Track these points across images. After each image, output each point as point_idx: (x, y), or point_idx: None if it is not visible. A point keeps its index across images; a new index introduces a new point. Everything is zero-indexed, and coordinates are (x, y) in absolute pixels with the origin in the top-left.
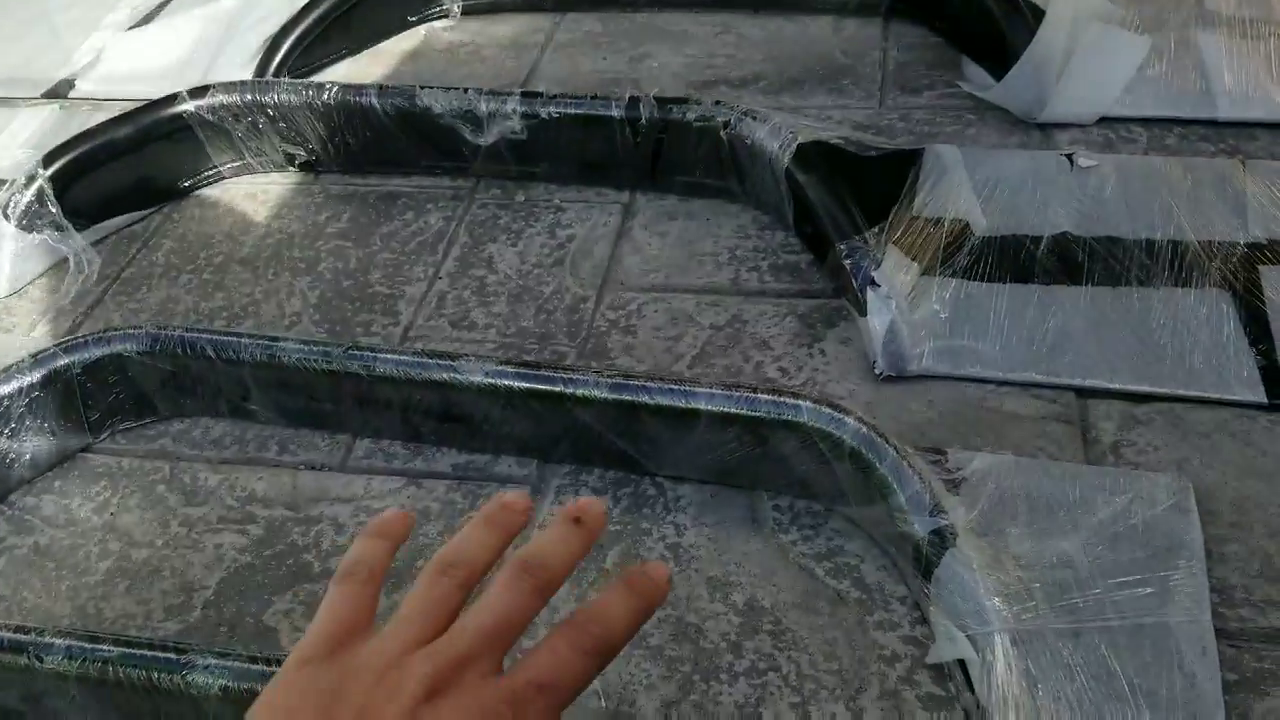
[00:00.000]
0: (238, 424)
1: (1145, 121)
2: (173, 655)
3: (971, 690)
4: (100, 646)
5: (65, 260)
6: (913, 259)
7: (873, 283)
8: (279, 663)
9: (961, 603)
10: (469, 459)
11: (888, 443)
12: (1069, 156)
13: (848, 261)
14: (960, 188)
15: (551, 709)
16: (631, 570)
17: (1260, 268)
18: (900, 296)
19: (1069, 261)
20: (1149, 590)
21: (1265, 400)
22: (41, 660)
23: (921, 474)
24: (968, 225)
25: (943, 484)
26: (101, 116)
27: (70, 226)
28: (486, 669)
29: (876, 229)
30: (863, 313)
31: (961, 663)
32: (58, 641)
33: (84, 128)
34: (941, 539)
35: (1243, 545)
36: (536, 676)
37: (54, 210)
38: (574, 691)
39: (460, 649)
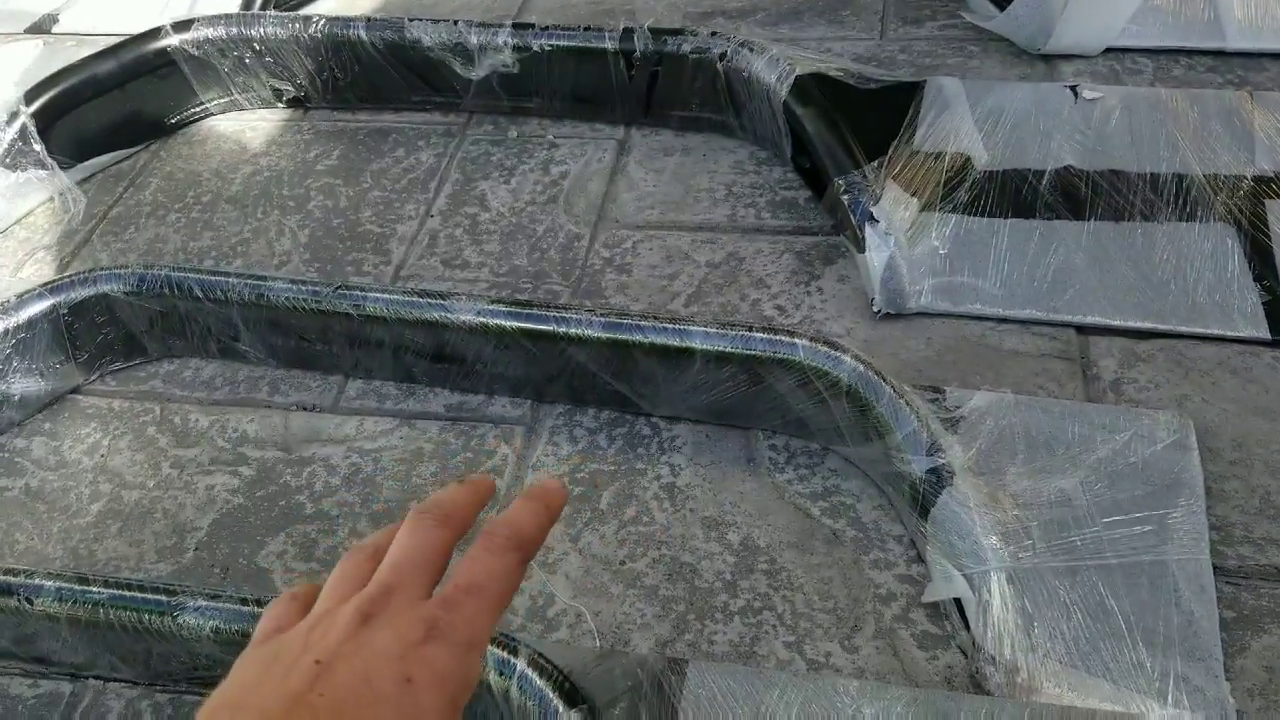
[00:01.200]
0: (228, 365)
1: (1152, 52)
2: (163, 597)
3: (968, 629)
4: (90, 589)
5: (51, 199)
6: (912, 194)
7: (871, 219)
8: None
9: (958, 541)
10: (462, 399)
11: (885, 381)
12: (1073, 88)
13: (846, 197)
14: (962, 121)
15: (482, 611)
16: (531, 485)
17: (1267, 202)
18: (899, 233)
19: (1072, 196)
20: (1147, 528)
21: (1269, 336)
22: (32, 602)
23: (919, 412)
24: (969, 159)
25: (940, 422)
26: (86, 52)
27: (55, 165)
28: (414, 594)
29: (876, 163)
30: (861, 249)
31: (958, 601)
32: (48, 584)
33: (68, 64)
34: (938, 478)
35: (1243, 483)
36: (460, 581)
37: (38, 148)
38: (500, 591)
39: (382, 581)
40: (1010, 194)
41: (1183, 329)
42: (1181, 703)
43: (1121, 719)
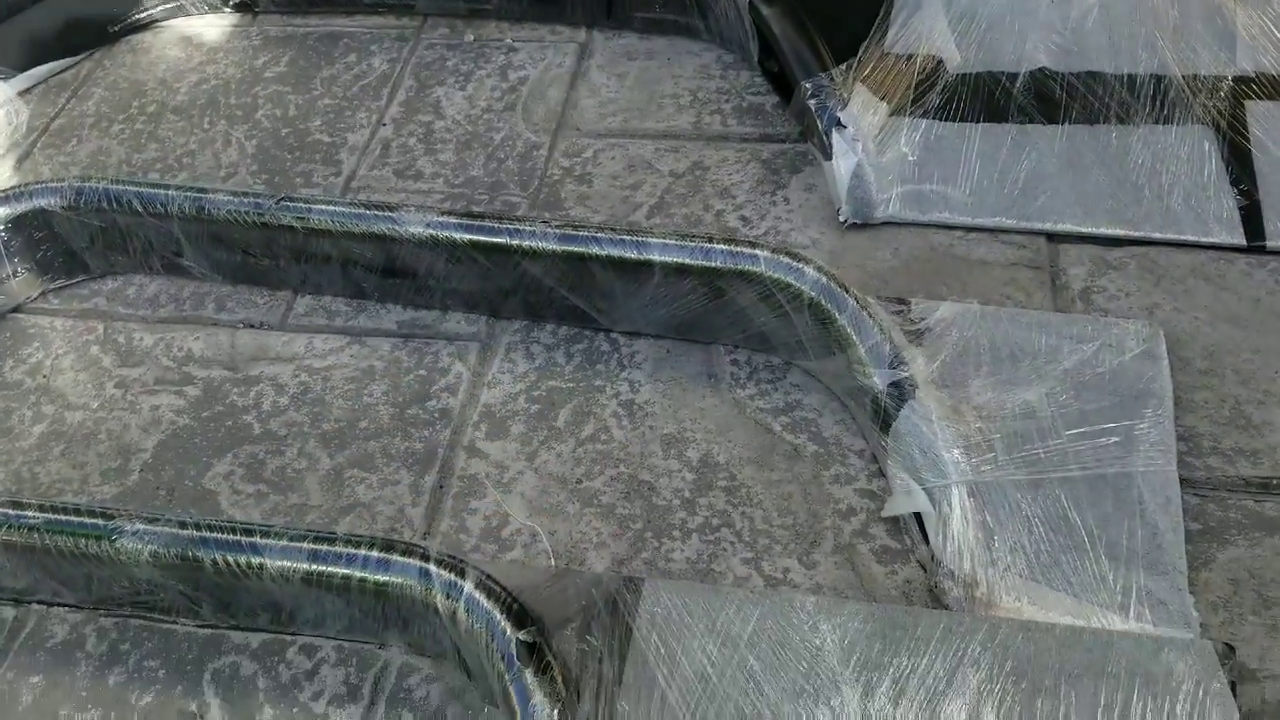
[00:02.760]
0: (173, 281)
1: None
2: (100, 521)
3: (927, 543)
4: (26, 513)
5: None
6: (882, 99)
7: (839, 124)
8: (210, 527)
9: (919, 456)
10: (415, 315)
11: (848, 293)
12: None
13: (813, 102)
14: (935, 21)
15: None
16: None
17: (1247, 103)
18: (867, 139)
19: (1046, 99)
20: (1113, 439)
21: (1244, 242)
22: None
23: (882, 325)
24: (941, 62)
25: (905, 335)
26: None
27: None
28: None
29: (845, 66)
30: (828, 157)
31: (918, 516)
32: None
33: None
34: (901, 391)
35: (1213, 393)
36: None
37: None
38: None
39: None
40: (983, 97)
41: (1156, 235)
42: (1144, 616)
43: (1081, 633)
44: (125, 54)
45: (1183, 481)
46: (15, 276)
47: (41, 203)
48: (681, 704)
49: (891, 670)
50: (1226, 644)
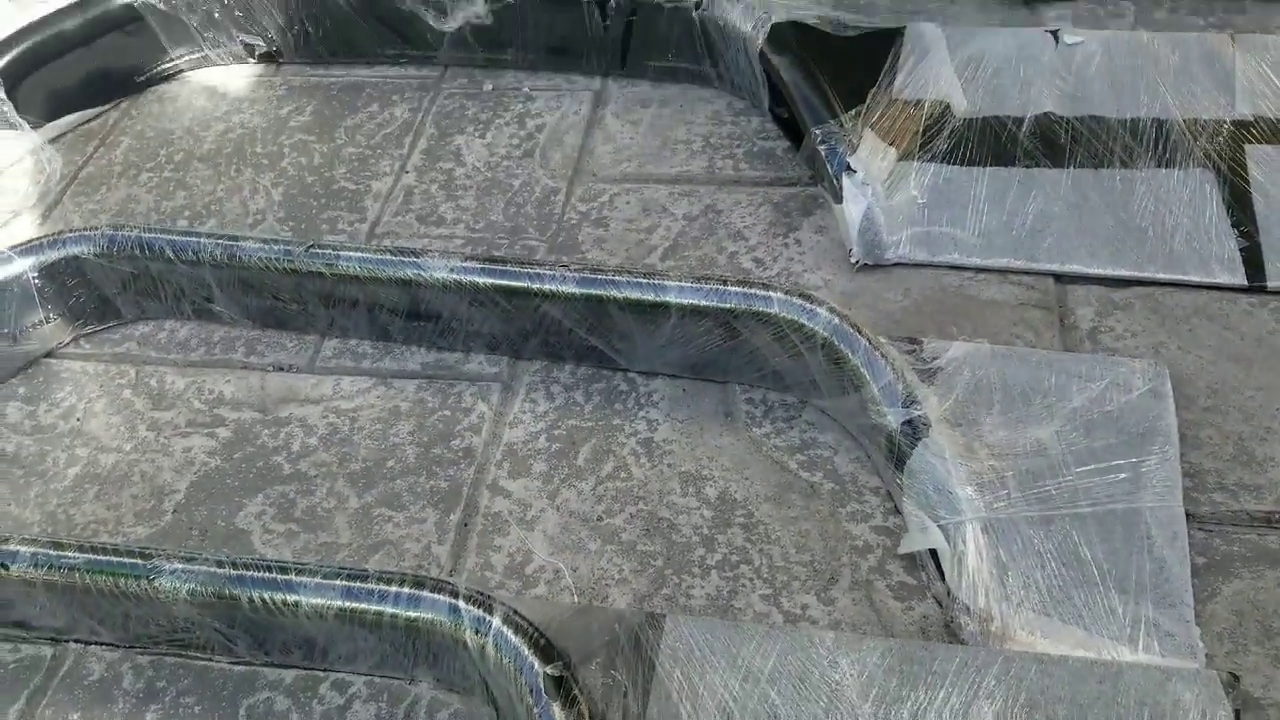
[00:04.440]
0: (203, 325)
1: None
2: (139, 561)
3: (943, 579)
4: (66, 554)
5: (21, 160)
6: (891, 143)
7: (849, 169)
8: (246, 566)
9: (934, 493)
10: (439, 357)
11: (860, 333)
12: (1054, 33)
13: (823, 147)
14: (941, 68)
15: None
16: None
17: (1246, 146)
18: (877, 183)
19: (1051, 143)
20: (1122, 476)
21: (1245, 283)
22: (8, 568)
23: (895, 364)
24: (948, 107)
25: (917, 374)
26: (54, 8)
27: (26, 124)
28: None
29: (854, 112)
30: (839, 200)
31: (933, 552)
32: (23, 549)
33: (31, 21)
34: (914, 429)
35: (1217, 430)
36: None
37: (6, 108)
38: None
39: None
40: (990, 142)
41: (1160, 276)
42: (1152, 648)
43: (1092, 665)
44: (152, 104)
45: (1189, 516)
46: (48, 322)
47: (75, 250)
48: None
49: (910, 704)
50: (1232, 673)
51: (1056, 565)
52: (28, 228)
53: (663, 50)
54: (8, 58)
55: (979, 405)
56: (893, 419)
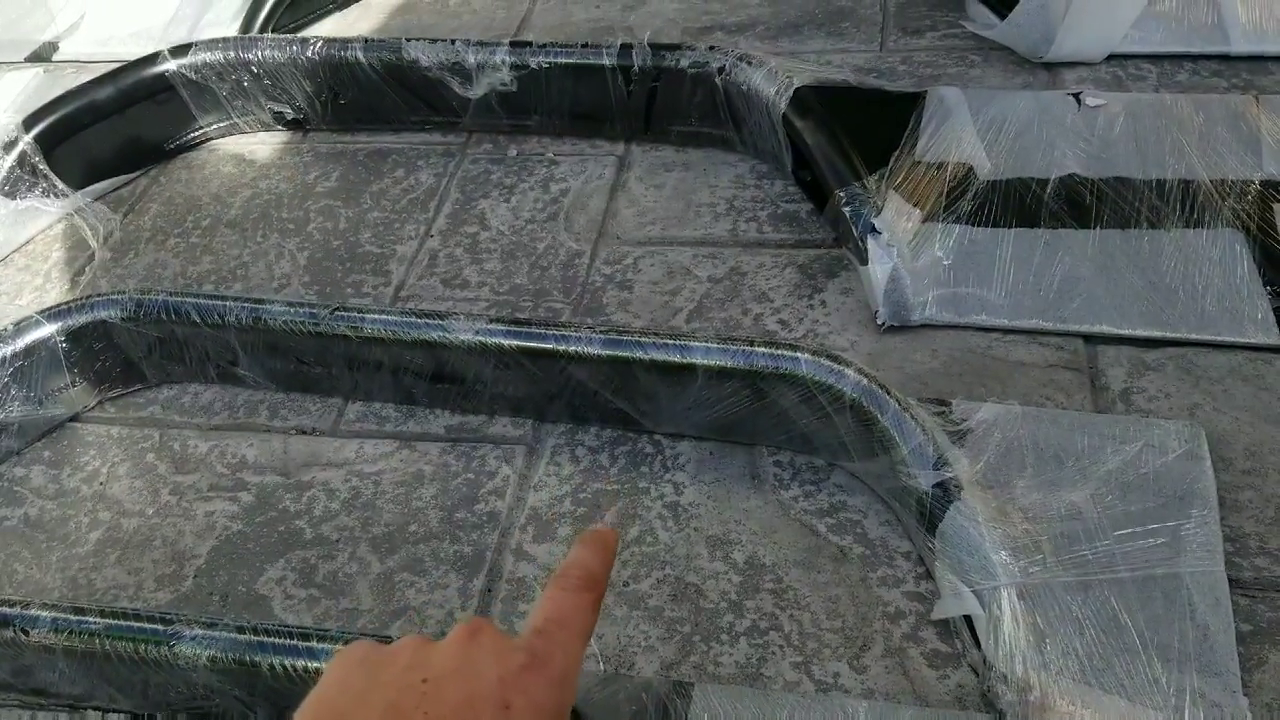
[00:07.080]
0: (227, 389)
1: (1155, 58)
2: (159, 626)
3: (978, 646)
4: (86, 619)
5: (52, 226)
6: (915, 205)
7: (874, 230)
8: (267, 632)
9: (967, 557)
10: (463, 420)
11: (889, 394)
12: (1076, 96)
13: (848, 209)
14: (964, 130)
15: (573, 643)
16: (584, 533)
17: (1275, 206)
18: (902, 244)
19: (1077, 204)
20: (1160, 540)
21: (1279, 342)
22: (28, 634)
23: (925, 426)
24: (972, 169)
25: (947, 435)
26: (86, 79)
27: (68, 189)
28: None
29: (877, 175)
30: (864, 261)
31: (968, 618)
32: (43, 614)
33: (66, 90)
34: (946, 492)
35: (1257, 492)
36: (550, 615)
37: (46, 173)
38: (584, 627)
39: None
40: (1014, 203)
41: (1192, 337)
42: (1198, 719)
43: None
44: (180, 170)
45: (1231, 582)
46: (73, 386)
47: (102, 315)
48: None
49: None
50: None
51: (1096, 632)
52: (53, 294)
53: (686, 115)
54: (42, 126)
55: (1011, 468)
56: (924, 481)
